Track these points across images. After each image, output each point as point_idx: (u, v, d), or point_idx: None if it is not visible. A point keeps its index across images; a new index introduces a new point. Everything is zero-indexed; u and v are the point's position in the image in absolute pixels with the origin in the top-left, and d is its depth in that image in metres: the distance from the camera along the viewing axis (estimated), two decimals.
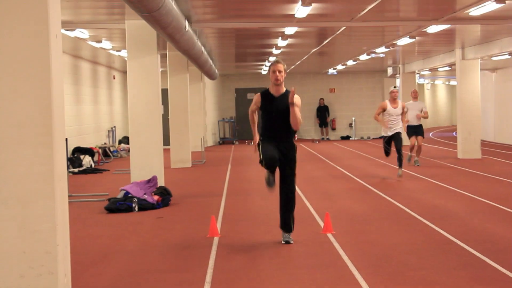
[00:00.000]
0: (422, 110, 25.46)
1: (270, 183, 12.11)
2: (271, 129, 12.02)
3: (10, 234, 8.36)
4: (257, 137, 12.45)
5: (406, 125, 23.48)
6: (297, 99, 11.69)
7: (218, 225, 14.21)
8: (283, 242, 12.00)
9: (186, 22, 17.02)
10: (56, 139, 8.47)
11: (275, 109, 11.90)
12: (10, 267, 8.34)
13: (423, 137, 26.05)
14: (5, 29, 8.40)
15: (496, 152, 31.13)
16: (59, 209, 8.51)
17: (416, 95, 26.13)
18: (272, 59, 35.94)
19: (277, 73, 11.77)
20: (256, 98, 12.31)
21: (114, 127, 37.06)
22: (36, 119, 8.37)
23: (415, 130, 25.43)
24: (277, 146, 11.87)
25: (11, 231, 8.35)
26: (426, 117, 25.75)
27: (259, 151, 12.05)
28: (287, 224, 12.03)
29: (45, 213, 8.40)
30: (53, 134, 8.39)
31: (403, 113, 21.99)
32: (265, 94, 12.16)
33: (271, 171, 11.97)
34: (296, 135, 12.45)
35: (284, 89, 12.02)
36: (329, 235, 12.38)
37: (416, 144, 25.55)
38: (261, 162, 11.92)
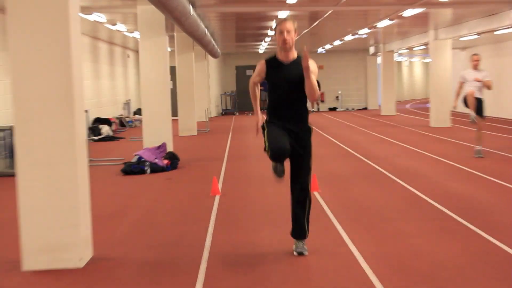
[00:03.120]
0: (485, 79, 18.05)
1: (278, 172, 8.67)
2: (280, 106, 8.43)
3: (37, 192, 8.52)
4: (259, 116, 8.77)
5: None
6: (312, 64, 8.24)
7: (220, 185, 14.31)
8: (295, 253, 8.49)
9: (191, 7, 16.91)
10: (76, 110, 8.60)
11: (285, 80, 8.32)
12: (39, 220, 8.50)
13: (482, 117, 18.30)
14: (30, 15, 8.44)
15: (464, 121, 31.16)
16: (79, 171, 8.66)
17: (477, 64, 18.36)
18: (268, 39, 36.13)
19: (285, 34, 8.17)
20: (259, 67, 8.59)
21: (129, 100, 37.05)
22: (58, 93, 8.50)
23: (476, 106, 18.15)
24: (288, 129, 8.39)
25: (39, 189, 8.51)
26: (490, 88, 18.03)
27: (264, 137, 8.52)
28: (300, 228, 8.56)
29: (68, 174, 8.56)
30: (73, 106, 8.53)
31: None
32: (272, 61, 8.47)
33: (280, 162, 8.61)
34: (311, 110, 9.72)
35: (295, 54, 8.42)
36: (316, 193, 12.39)
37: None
38: (266, 151, 8.47)
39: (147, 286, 7.81)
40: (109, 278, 8.13)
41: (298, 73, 8.23)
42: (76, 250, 8.58)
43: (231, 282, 7.80)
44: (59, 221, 8.53)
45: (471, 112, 18.00)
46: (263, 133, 8.50)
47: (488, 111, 34.17)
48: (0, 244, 9.97)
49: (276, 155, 8.24)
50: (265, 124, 8.55)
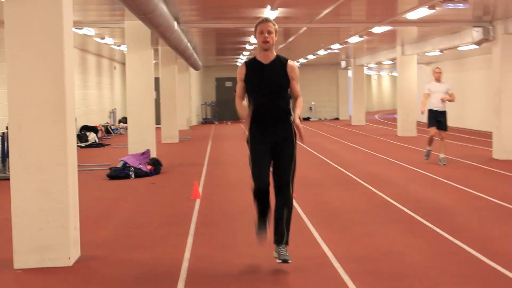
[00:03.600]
0: (448, 91, 18.31)
1: (260, 228, 7.96)
2: (262, 108, 7.68)
3: (30, 195, 8.50)
4: (246, 112, 7.92)
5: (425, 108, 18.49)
6: (293, 69, 7.78)
7: (200, 189, 14.25)
8: (278, 260, 7.64)
9: (175, 23, 17.04)
10: (68, 118, 8.60)
11: (266, 80, 7.68)
12: (31, 221, 8.49)
13: (445, 130, 18.59)
14: (27, 30, 8.45)
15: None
16: (70, 174, 8.65)
17: (439, 76, 18.44)
18: (246, 53, 36.11)
19: (266, 34, 7.62)
20: (239, 71, 7.91)
21: (115, 109, 36.90)
22: (52, 102, 8.49)
23: (437, 118, 18.38)
24: (269, 134, 7.69)
25: (31, 192, 8.49)
26: (452, 100, 18.38)
27: (249, 156, 7.83)
28: (278, 232, 7.74)
29: (59, 177, 8.54)
30: (65, 114, 8.53)
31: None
32: (251, 63, 7.84)
33: (262, 207, 7.89)
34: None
35: (274, 55, 7.81)
36: None
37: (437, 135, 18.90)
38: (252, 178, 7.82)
39: (131, 285, 7.80)
40: (96, 277, 8.14)
41: (278, 74, 7.70)
42: (65, 250, 8.56)
43: (211, 280, 7.82)
44: (49, 222, 8.51)
45: (428, 147, 18.60)
46: (248, 148, 7.79)
47: (451, 122, 34.36)
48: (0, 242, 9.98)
49: (258, 191, 7.72)
50: (248, 138, 7.83)
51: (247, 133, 7.87)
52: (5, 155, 17.40)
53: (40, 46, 8.52)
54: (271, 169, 7.90)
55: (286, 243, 7.72)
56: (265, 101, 7.69)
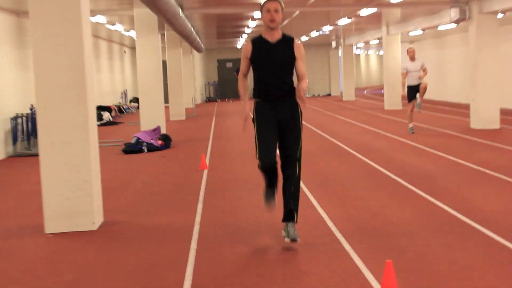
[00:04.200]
0: (422, 67, 18.50)
1: (268, 197, 7.39)
2: (267, 86, 7.09)
3: (57, 168, 8.60)
4: (247, 108, 7.37)
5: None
6: (299, 48, 7.13)
7: (207, 161, 14.38)
8: (287, 239, 7.10)
9: (180, 9, 17.00)
10: (89, 99, 8.70)
11: (272, 58, 7.04)
12: (59, 191, 8.59)
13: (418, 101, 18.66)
14: (50, 19, 8.49)
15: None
16: (92, 149, 8.76)
17: (413, 55, 18.71)
18: (245, 36, 35.91)
19: (273, 12, 6.90)
20: (245, 47, 7.21)
21: (126, 90, 36.99)
22: (75, 84, 8.56)
23: (414, 92, 18.64)
24: (276, 112, 7.06)
25: (58, 165, 8.60)
26: (425, 74, 18.42)
27: (255, 135, 7.16)
28: (287, 209, 7.22)
29: (82, 152, 8.64)
30: (86, 94, 8.61)
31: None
32: (258, 41, 7.14)
33: (270, 179, 7.29)
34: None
35: (281, 34, 7.11)
36: None
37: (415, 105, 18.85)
38: (257, 159, 7.20)
39: (148, 246, 7.84)
40: (117, 239, 8.23)
41: (284, 52, 7.03)
42: (90, 216, 8.67)
43: (221, 240, 7.90)
44: (75, 192, 8.61)
45: (410, 124, 18.82)
46: (254, 128, 7.13)
47: (432, 96, 34.44)
48: (25, 212, 10.04)
49: (267, 169, 7.10)
50: (254, 117, 7.16)
51: (247, 111, 7.27)
52: (29, 134, 17.65)
53: (61, 34, 8.55)
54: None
55: (295, 221, 7.15)
56: (271, 79, 7.03)
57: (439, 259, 6.79)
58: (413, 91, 18.55)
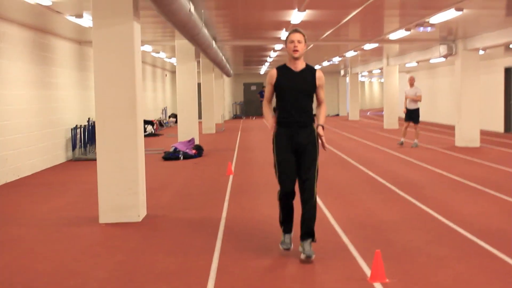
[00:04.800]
0: (416, 94, 18.82)
1: (285, 245, 6.69)
2: (289, 111, 6.47)
3: (111, 170, 8.72)
4: (273, 120, 6.63)
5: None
6: (320, 78, 6.58)
7: (233, 168, 14.44)
8: (302, 255, 6.50)
9: (213, 41, 17.01)
10: (138, 114, 8.82)
11: (295, 87, 6.45)
12: (111, 189, 8.71)
13: (416, 123, 18.97)
14: (109, 48, 8.63)
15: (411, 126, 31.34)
16: (139, 156, 8.87)
17: (411, 82, 19.09)
18: (267, 64, 35.67)
19: (296, 43, 6.39)
20: (270, 73, 6.58)
21: (166, 107, 36.94)
22: (127, 102, 8.70)
23: (409, 115, 19.05)
24: (294, 138, 6.45)
25: (112, 168, 8.72)
26: (419, 100, 18.83)
27: (274, 160, 6.60)
28: (305, 229, 6.50)
29: (131, 158, 8.76)
30: (136, 111, 8.72)
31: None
32: (283, 69, 6.58)
33: (287, 213, 6.69)
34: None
35: (304, 64, 6.56)
36: None
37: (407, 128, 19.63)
38: (277, 178, 6.62)
39: (182, 235, 7.90)
40: (157, 229, 8.31)
41: (307, 81, 6.46)
42: (136, 209, 8.78)
43: (242, 232, 7.98)
44: (125, 189, 8.74)
45: (402, 138, 19.66)
46: (273, 150, 6.58)
47: (425, 118, 34.44)
48: (83, 206, 10.11)
49: (285, 193, 6.52)
50: (273, 140, 6.57)
51: (272, 122, 6.57)
52: (86, 142, 17.77)
53: (118, 61, 8.67)
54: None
55: (313, 240, 6.56)
56: (293, 107, 6.41)
57: (420, 252, 6.89)
58: (408, 113, 19.05)
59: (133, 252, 7.14)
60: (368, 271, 6.12)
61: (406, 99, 19.05)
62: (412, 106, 19.05)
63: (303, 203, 6.50)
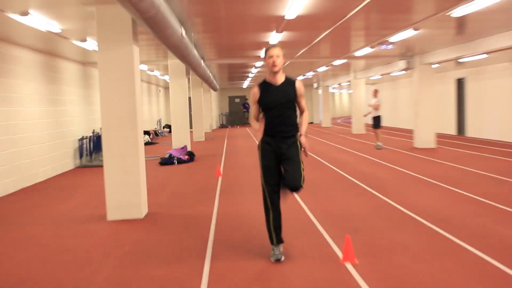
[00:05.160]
0: (376, 106, 19.36)
1: (276, 256, 6.02)
2: (273, 123, 5.99)
3: (116, 173, 8.78)
4: (257, 125, 6.25)
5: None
6: (300, 88, 6.05)
7: (221, 170, 14.44)
8: (273, 259, 6.03)
9: (202, 60, 17.02)
10: (138, 125, 8.84)
11: (276, 100, 5.96)
12: (117, 190, 8.68)
13: (376, 128, 19.46)
14: (112, 69, 8.64)
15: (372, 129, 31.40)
16: (140, 161, 8.89)
17: (374, 94, 19.57)
18: (249, 79, 35.48)
19: (275, 58, 5.91)
20: (253, 91, 6.09)
21: (160, 119, 36.72)
22: (128, 115, 8.73)
23: (373, 121, 19.60)
24: (278, 146, 5.95)
25: (117, 171, 8.78)
26: (376, 109, 19.25)
27: (260, 165, 6.09)
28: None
29: (134, 163, 8.80)
30: (136, 122, 8.75)
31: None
32: (263, 85, 6.09)
33: (275, 218, 6.04)
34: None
35: (284, 77, 6.07)
36: None
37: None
38: (262, 185, 6.08)
39: (180, 229, 7.85)
40: (157, 224, 8.28)
41: (288, 93, 5.96)
42: (138, 208, 8.83)
43: (232, 225, 7.95)
44: (128, 190, 8.81)
45: (378, 142, 19.84)
46: (259, 156, 6.09)
47: (390, 123, 34.53)
48: (92, 205, 10.08)
49: (270, 194, 5.97)
50: (259, 148, 6.11)
51: (258, 143, 6.11)
52: (91, 151, 17.77)
53: (119, 80, 8.69)
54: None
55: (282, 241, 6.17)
56: (277, 119, 5.94)
57: (383, 236, 7.00)
58: (373, 120, 19.45)
59: (138, 243, 7.16)
60: (340, 254, 6.24)
61: (377, 106, 19.36)
62: (374, 114, 19.45)
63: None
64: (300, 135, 6.12)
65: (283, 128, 5.96)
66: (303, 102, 6.19)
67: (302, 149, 6.07)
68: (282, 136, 5.96)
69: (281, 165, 6.00)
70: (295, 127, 6.02)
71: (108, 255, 6.66)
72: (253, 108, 6.13)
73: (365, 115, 21.67)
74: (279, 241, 6.09)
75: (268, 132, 6.00)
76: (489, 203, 9.15)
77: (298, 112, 6.28)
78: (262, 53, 17.99)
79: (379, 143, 19.71)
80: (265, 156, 5.99)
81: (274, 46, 5.96)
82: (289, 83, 6.03)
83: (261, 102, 6.01)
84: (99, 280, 5.70)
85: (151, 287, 5.43)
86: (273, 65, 5.91)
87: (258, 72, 28.75)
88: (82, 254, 6.79)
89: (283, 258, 6.05)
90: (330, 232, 7.32)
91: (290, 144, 5.96)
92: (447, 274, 5.51)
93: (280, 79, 6.03)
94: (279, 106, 5.93)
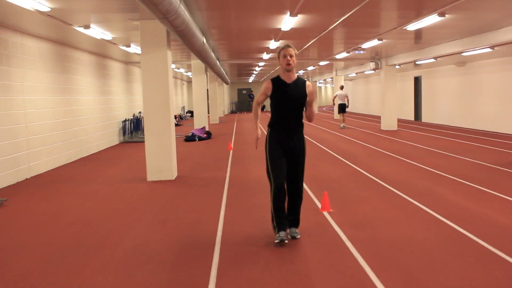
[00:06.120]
0: (346, 96, 20.50)
1: (281, 238, 4.90)
2: (282, 119, 5.02)
3: (154, 146, 8.89)
4: (258, 132, 5.12)
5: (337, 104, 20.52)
6: (309, 87, 5.04)
7: (232, 145, 14.44)
8: (288, 237, 5.10)
9: (218, 61, 17.01)
10: (171, 110, 8.90)
11: (288, 97, 5.00)
12: (155, 158, 8.88)
13: (341, 113, 20.61)
14: (152, 68, 8.69)
15: (353, 116, 31.37)
16: (172, 137, 9.02)
17: (341, 87, 21.22)
18: (253, 75, 35.43)
19: (288, 58, 4.96)
20: (266, 85, 5.10)
21: (184, 106, 36.61)
22: (163, 102, 8.81)
23: (342, 108, 20.55)
24: (285, 147, 4.98)
25: (154, 145, 8.88)
26: (347, 98, 20.60)
27: (266, 157, 4.99)
28: (295, 219, 5.13)
29: (167, 138, 8.91)
30: (169, 108, 8.83)
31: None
32: (277, 81, 5.08)
33: (280, 211, 4.91)
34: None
35: (295, 76, 5.14)
36: None
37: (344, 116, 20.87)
38: (269, 179, 4.95)
39: (202, 187, 7.90)
40: (185, 184, 8.32)
41: (298, 92, 4.98)
42: (170, 172, 8.91)
43: (240, 184, 8.03)
44: (164, 159, 8.90)
45: (342, 123, 20.60)
46: (266, 153, 4.99)
47: (363, 111, 34.18)
48: (135, 170, 10.16)
49: (278, 188, 4.82)
50: (267, 142, 5.02)
51: (258, 134, 5.08)
52: (132, 130, 17.78)
53: (157, 75, 8.73)
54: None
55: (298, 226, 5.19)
56: (286, 114, 4.97)
57: (352, 193, 7.23)
58: (340, 107, 20.23)
59: (171, 197, 7.28)
60: (319, 205, 6.48)
61: (334, 98, 20.39)
62: (341, 101, 20.29)
63: (290, 198, 5.06)
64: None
65: (292, 124, 4.98)
66: (314, 105, 5.18)
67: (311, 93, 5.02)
68: (290, 131, 4.96)
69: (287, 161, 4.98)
70: (301, 124, 5.06)
71: (150, 205, 6.86)
72: (261, 97, 5.10)
73: (333, 103, 23.25)
74: (281, 228, 4.95)
75: (276, 127, 5.00)
76: (431, 170, 9.34)
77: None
78: (264, 56, 17.95)
79: (343, 124, 20.44)
80: (273, 149, 4.92)
81: (288, 46, 4.97)
82: (301, 82, 5.06)
83: (273, 97, 5.03)
84: (144, 222, 6.01)
85: (183, 225, 5.76)
86: (287, 63, 4.94)
87: (261, 70, 28.60)
88: (130, 204, 6.93)
89: (287, 241, 4.93)
90: (313, 190, 7.51)
91: (298, 141, 4.98)
92: (395, 217, 5.86)
93: (292, 77, 5.04)
94: (289, 103, 4.95)
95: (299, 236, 5.06)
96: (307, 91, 5.00)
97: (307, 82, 5.06)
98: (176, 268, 4.30)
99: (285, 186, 4.91)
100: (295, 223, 5.13)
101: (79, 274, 4.23)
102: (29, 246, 5.11)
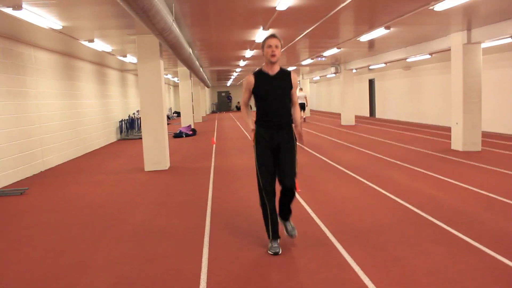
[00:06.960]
0: (305, 97, 21.05)
1: (274, 249, 3.98)
2: (269, 114, 3.98)
3: (150, 141, 8.93)
4: (252, 127, 4.10)
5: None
6: (294, 79, 4.08)
7: (215, 140, 14.62)
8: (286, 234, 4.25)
9: (201, 67, 16.99)
10: (164, 111, 8.98)
11: (272, 90, 3.98)
12: (151, 151, 8.97)
13: (303, 110, 20.63)
14: (147, 75, 8.78)
15: (317, 113, 30.71)
16: (164, 134, 9.02)
17: (300, 90, 21.61)
18: (230, 80, 34.93)
19: (274, 48, 3.97)
20: (247, 80, 4.04)
21: (171, 107, 36.31)
22: (157, 104, 8.87)
23: (302, 106, 20.69)
24: (274, 138, 3.99)
25: (151, 141, 9.00)
26: (306, 99, 21.13)
27: (256, 159, 4.04)
28: (285, 212, 4.20)
29: (161, 134, 8.96)
30: (162, 108, 8.90)
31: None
32: (259, 74, 4.05)
33: (271, 214, 4.03)
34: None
35: (279, 67, 4.08)
36: None
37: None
38: (258, 182, 4.06)
39: (191, 175, 7.93)
40: (177, 172, 8.38)
41: (282, 83, 4.04)
42: (164, 163, 8.94)
43: (225, 171, 8.17)
44: (159, 152, 8.95)
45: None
46: (254, 151, 4.09)
47: (326, 109, 34.08)
48: (133, 162, 10.13)
49: (267, 192, 4.01)
50: (254, 144, 4.09)
51: (252, 127, 4.13)
52: (128, 129, 17.56)
53: (151, 81, 8.78)
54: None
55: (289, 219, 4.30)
56: (271, 109, 4.01)
57: (316, 176, 7.40)
58: (300, 106, 19.68)
59: (166, 184, 7.38)
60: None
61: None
62: (300, 101, 20.37)
63: (284, 192, 4.10)
64: (295, 126, 4.14)
65: (278, 119, 4.02)
66: (295, 95, 4.13)
67: (298, 138, 4.13)
68: (277, 127, 4.03)
69: (275, 159, 4.08)
70: (290, 118, 4.09)
71: (150, 190, 7.01)
72: (245, 95, 4.16)
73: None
74: (275, 236, 4.09)
75: (263, 123, 4.06)
76: (382, 157, 9.67)
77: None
78: (240, 63, 17.84)
79: (303, 117, 20.38)
80: (260, 146, 4.04)
81: (273, 36, 4.06)
82: (284, 73, 4.11)
83: (256, 91, 4.08)
84: (147, 203, 6.24)
85: (179, 204, 6.02)
86: (272, 55, 4.01)
87: (237, 75, 28.50)
88: (131, 190, 7.01)
89: (280, 251, 4.03)
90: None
91: (286, 136, 4.05)
92: (352, 196, 6.25)
93: (276, 69, 4.09)
94: (275, 96, 4.01)
95: (296, 234, 4.24)
96: (292, 83, 4.08)
97: (292, 72, 4.10)
98: (176, 237, 4.61)
99: (275, 184, 4.05)
100: (288, 215, 4.25)
101: (100, 244, 4.53)
102: (54, 224, 5.34)
